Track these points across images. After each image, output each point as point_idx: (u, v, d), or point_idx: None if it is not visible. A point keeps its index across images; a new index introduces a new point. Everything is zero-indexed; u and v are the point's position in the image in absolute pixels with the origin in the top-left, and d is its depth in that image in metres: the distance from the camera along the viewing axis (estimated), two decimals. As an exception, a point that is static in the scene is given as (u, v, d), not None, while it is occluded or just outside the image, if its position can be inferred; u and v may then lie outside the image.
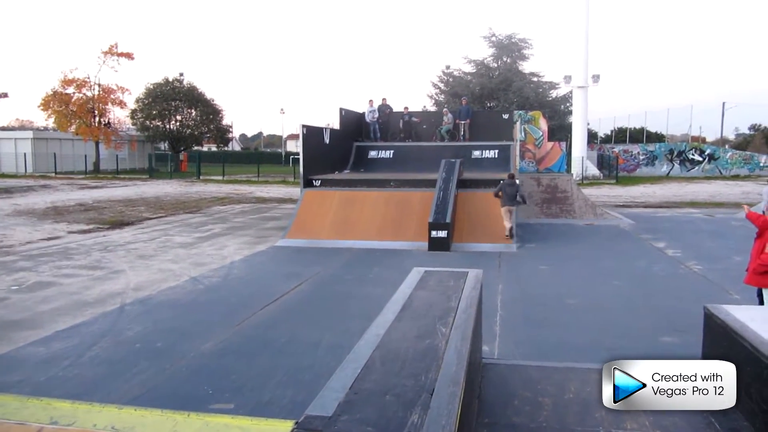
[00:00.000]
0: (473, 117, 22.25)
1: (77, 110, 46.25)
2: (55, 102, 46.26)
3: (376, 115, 22.14)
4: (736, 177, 38.39)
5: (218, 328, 7.70)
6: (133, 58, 47.78)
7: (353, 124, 21.78)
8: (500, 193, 14.36)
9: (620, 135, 49.14)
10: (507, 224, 14.26)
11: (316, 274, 11.12)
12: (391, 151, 21.37)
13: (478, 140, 20.72)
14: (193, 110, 55.80)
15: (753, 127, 59.23)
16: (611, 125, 51.01)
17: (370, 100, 22.29)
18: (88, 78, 47.13)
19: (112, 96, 47.67)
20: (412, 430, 2.22)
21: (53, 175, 43.52)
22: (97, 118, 47.43)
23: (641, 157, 41.83)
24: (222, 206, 23.89)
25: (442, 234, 13.66)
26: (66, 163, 47.02)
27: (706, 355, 3.94)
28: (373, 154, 21.38)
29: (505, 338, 7.26)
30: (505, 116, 22.34)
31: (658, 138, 47.24)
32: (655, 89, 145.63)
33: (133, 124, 54.11)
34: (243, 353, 6.79)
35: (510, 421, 3.36)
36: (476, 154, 20.39)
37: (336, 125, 20.80)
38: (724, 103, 48.04)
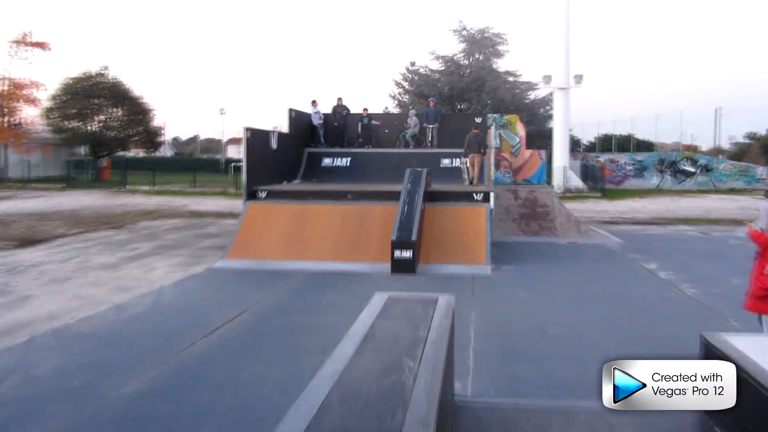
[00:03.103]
0: (442, 120, 22.47)
1: (-20, 108, 45.12)
2: (-46, 98, 45.03)
3: (322, 117, 22.24)
4: (732, 191, 39.56)
5: (145, 363, 7.55)
6: (48, 49, 46.84)
7: (305, 128, 21.77)
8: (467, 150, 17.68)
9: (606, 143, 50.18)
10: (473, 172, 17.55)
11: (261, 300, 11.03)
12: (348, 159, 21.41)
13: (448, 147, 20.90)
14: (118, 109, 54.96)
15: (749, 136, 61.14)
16: (596, 132, 52.13)
17: (313, 101, 22.37)
18: (-5, 71, 46.07)
19: (23, 92, 46.56)
20: (376, 480, 2.21)
21: (-51, 183, 42.32)
22: (4, 118, 46.29)
23: (629, 168, 42.79)
24: (151, 221, 23.54)
25: (407, 254, 13.70)
26: (-35, 169, 45.77)
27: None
28: (327, 161, 21.38)
29: (479, 374, 7.30)
30: (478, 120, 22.63)
31: (646, 147, 48.35)
32: (644, 92, 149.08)
33: (48, 125, 52.95)
34: (174, 393, 6.68)
35: (486, 468, 3.37)
36: (445, 162, 20.54)
37: (285, 128, 20.75)
38: (717, 109, 49.38)
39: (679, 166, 42.14)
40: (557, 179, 36.16)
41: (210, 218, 24.96)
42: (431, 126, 21.89)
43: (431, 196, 15.91)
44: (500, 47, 49.68)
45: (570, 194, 35.43)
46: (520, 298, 11.47)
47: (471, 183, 17.77)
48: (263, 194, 16.44)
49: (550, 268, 14.40)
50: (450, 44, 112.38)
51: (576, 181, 38.77)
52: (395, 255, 13.72)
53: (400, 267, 13.62)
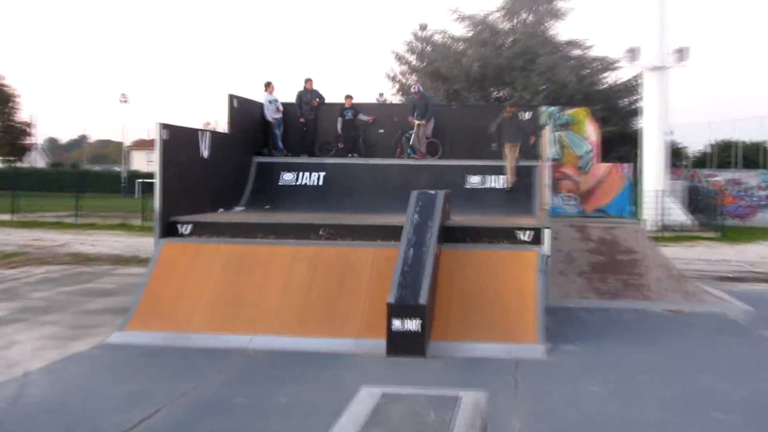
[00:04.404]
0: (446, 118, 22.60)
1: None
2: None
3: (281, 108, 22.25)
4: None
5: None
6: None
7: (254, 125, 21.82)
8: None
9: (725, 154, 50.28)
10: (509, 166, 19.63)
11: (184, 395, 10.94)
12: (321, 174, 21.46)
13: (474, 157, 20.92)
14: (-40, 94, 55.22)
15: None
16: (708, 136, 52.28)
17: (267, 83, 22.36)
18: None
19: None
20: None
21: None
22: None
23: (762, 193, 42.83)
24: (10, 270, 23.52)
25: (413, 325, 13.60)
26: None
27: None
28: (288, 177, 21.42)
29: None
30: (526, 115, 22.70)
31: (790, 161, 48.45)
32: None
33: None
34: None
35: None
36: (473, 181, 20.59)
37: (223, 126, 20.78)
38: None
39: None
40: (650, 210, 36.16)
41: (103, 265, 24.89)
42: (417, 123, 21.79)
43: (451, 234, 15.92)
44: (560, 3, 50.07)
45: (670, 233, 35.43)
46: (590, 396, 11.38)
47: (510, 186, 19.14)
48: (186, 228, 16.42)
49: (638, 350, 14.33)
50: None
51: (679, 214, 38.74)
52: (394, 326, 13.62)
53: (401, 345, 13.52)
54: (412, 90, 24.40)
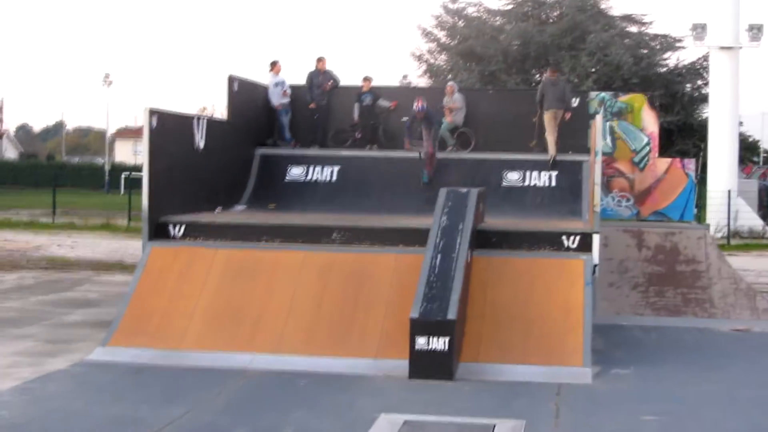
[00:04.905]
0: (480, 104, 22.65)
1: None
2: None
3: (288, 92, 22.22)
4: None
5: None
6: None
7: (257, 112, 21.83)
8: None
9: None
10: (551, 138, 20.39)
11: (173, 422, 10.93)
12: (335, 168, 21.45)
13: (512, 150, 20.89)
14: None
15: None
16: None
17: (273, 63, 22.38)
18: None
19: None
20: None
21: None
22: None
23: None
24: (-25, 276, 23.58)
25: (440, 344, 13.58)
26: None
27: None
28: (296, 172, 21.42)
29: None
30: (573, 101, 22.61)
31: None
32: None
33: None
34: None
35: None
36: (512, 178, 20.55)
37: (221, 112, 20.83)
38: None
39: None
40: (716, 213, 35.90)
41: (83, 271, 24.94)
42: (423, 154, 21.33)
43: (485, 239, 15.93)
44: (614, -28, 49.90)
45: (739, 241, 35.19)
46: (645, 428, 11.30)
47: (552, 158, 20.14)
48: (179, 230, 16.45)
49: (701, 376, 14.28)
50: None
51: (750, 218, 38.43)
52: (418, 345, 13.60)
53: (426, 367, 13.49)
54: (414, 107, 23.04)
